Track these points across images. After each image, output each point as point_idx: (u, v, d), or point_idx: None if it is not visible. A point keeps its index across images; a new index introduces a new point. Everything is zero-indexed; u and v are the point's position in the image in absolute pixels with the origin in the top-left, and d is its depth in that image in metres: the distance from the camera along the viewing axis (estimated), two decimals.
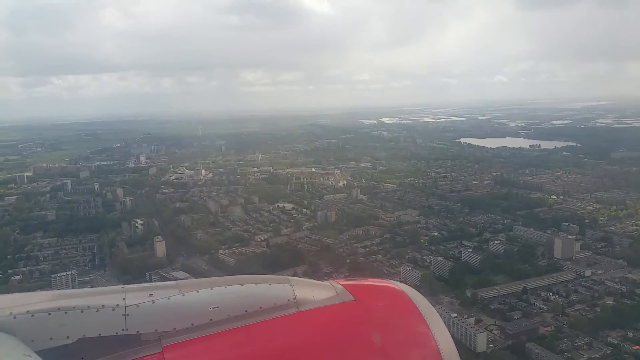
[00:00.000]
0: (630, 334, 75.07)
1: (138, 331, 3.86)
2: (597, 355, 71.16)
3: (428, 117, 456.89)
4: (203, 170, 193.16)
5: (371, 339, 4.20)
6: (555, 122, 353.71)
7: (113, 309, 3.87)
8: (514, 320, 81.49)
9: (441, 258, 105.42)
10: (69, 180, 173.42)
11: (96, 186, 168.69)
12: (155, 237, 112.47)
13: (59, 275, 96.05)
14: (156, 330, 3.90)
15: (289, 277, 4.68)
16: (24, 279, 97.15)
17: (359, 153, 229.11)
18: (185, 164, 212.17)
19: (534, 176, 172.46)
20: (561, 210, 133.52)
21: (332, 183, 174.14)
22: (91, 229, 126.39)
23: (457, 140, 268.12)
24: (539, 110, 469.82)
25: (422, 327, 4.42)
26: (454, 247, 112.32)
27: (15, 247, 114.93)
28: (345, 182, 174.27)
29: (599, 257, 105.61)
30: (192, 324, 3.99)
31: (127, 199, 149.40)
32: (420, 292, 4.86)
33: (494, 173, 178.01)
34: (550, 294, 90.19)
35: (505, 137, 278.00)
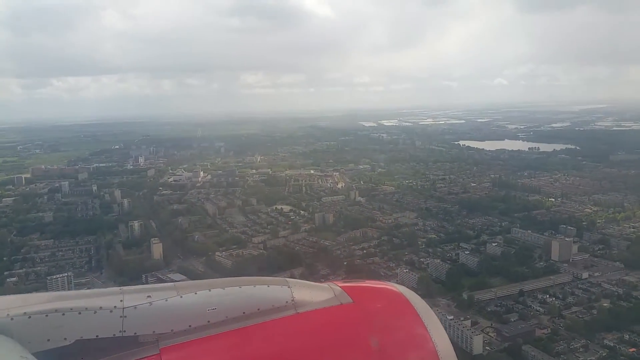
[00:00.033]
0: (627, 336, 75.04)
1: (135, 333, 3.85)
2: (593, 358, 71.08)
3: (427, 120, 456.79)
4: (201, 172, 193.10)
5: (369, 341, 4.19)
6: (554, 125, 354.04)
7: (110, 311, 3.86)
8: (511, 323, 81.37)
9: (438, 260, 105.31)
10: (67, 182, 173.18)
11: (94, 188, 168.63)
12: (152, 239, 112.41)
13: (55, 277, 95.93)
14: (154, 331, 3.90)
15: (287, 279, 4.67)
16: (20, 281, 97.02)
17: (357, 155, 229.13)
18: (184, 166, 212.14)
19: (533, 179, 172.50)
20: (559, 212, 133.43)
21: (330, 185, 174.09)
22: (88, 230, 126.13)
23: (456, 143, 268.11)
24: (539, 113, 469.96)
25: (420, 329, 4.43)
26: (452, 249, 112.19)
27: (12, 249, 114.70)
28: (343, 184, 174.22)
29: (596, 259, 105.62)
30: (190, 326, 3.99)
31: (125, 201, 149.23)
32: (418, 294, 4.88)
33: (492, 175, 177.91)
34: (547, 296, 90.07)
35: (504, 140, 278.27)
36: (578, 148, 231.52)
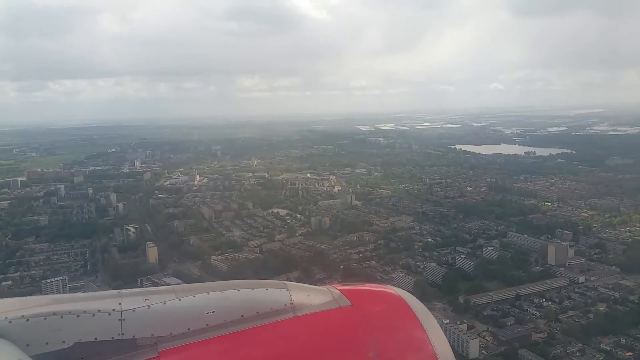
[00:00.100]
0: (623, 341, 75.06)
1: (134, 336, 3.82)
2: None
3: (424, 124, 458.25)
4: (198, 176, 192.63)
5: (368, 344, 4.17)
6: (550, 130, 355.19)
7: (109, 314, 3.83)
8: (507, 327, 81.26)
9: (434, 264, 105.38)
10: (63, 185, 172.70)
11: (90, 191, 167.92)
12: (148, 243, 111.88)
13: (49, 280, 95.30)
14: (152, 335, 3.87)
15: (285, 282, 4.65)
16: (15, 285, 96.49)
17: (354, 159, 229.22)
18: (180, 169, 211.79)
19: (529, 183, 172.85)
20: (555, 216, 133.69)
21: (327, 189, 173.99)
22: (84, 234, 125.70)
23: (453, 147, 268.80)
24: (535, 118, 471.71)
25: (419, 332, 4.40)
26: (448, 253, 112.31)
27: (7, 253, 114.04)
28: (340, 188, 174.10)
29: (592, 263, 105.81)
30: (189, 329, 3.95)
31: (121, 204, 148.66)
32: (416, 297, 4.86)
33: (488, 180, 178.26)
34: (544, 300, 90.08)
35: (500, 144, 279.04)
36: (574, 152, 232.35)
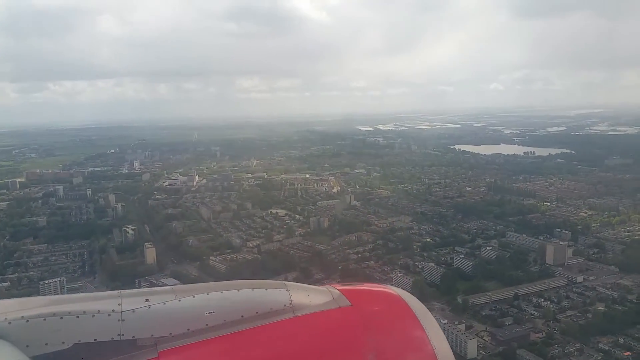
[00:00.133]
0: (621, 340, 75.01)
1: (134, 336, 3.82)
2: None
3: (424, 124, 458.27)
4: (197, 176, 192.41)
5: (368, 344, 4.17)
6: (549, 130, 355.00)
7: (109, 314, 3.84)
8: (505, 327, 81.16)
9: (433, 264, 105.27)
10: (62, 186, 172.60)
11: (89, 192, 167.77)
12: (146, 244, 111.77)
13: (47, 282, 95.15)
14: (152, 335, 3.87)
15: (285, 282, 4.65)
16: (12, 286, 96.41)
17: (353, 159, 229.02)
18: (179, 170, 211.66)
19: (528, 183, 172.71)
20: (554, 216, 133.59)
21: (326, 189, 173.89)
22: (82, 235, 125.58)
23: (452, 147, 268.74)
24: (534, 118, 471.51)
25: (419, 332, 4.41)
26: (446, 253, 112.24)
27: (5, 254, 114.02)
28: (339, 189, 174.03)
29: (591, 263, 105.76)
30: (188, 329, 3.96)
31: (119, 205, 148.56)
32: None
33: (487, 180, 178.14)
34: (542, 300, 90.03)
35: (499, 144, 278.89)
36: (573, 152, 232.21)
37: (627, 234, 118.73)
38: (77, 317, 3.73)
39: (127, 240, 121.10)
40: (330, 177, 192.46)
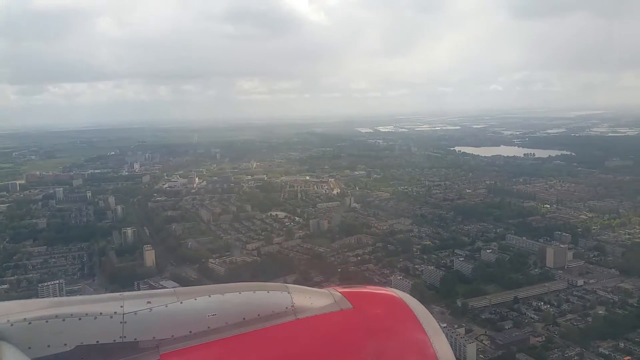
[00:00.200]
0: (622, 344, 74.64)
1: (136, 338, 3.82)
2: None
3: (423, 126, 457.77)
4: (197, 178, 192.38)
5: (369, 346, 4.19)
6: (549, 131, 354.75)
7: (111, 317, 3.84)
8: (505, 330, 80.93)
9: (432, 267, 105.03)
10: (62, 188, 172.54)
11: (89, 194, 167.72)
12: (145, 246, 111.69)
13: (46, 284, 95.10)
14: (154, 337, 3.87)
15: (287, 285, 4.65)
16: (11, 288, 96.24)
17: (353, 161, 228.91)
18: (179, 172, 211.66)
19: (528, 185, 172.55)
20: (554, 219, 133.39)
21: (325, 191, 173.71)
22: (81, 237, 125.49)
23: (452, 149, 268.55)
24: (534, 119, 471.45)
25: (420, 334, 4.43)
26: (446, 256, 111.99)
27: (4, 256, 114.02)
28: (339, 191, 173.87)
29: (591, 266, 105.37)
30: (190, 332, 3.97)
31: (119, 207, 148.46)
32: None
33: (487, 182, 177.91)
34: (542, 303, 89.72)
35: (499, 146, 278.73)
36: (573, 154, 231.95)
37: (628, 236, 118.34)
38: (80, 319, 3.73)
39: (127, 243, 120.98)
40: (330, 179, 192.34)
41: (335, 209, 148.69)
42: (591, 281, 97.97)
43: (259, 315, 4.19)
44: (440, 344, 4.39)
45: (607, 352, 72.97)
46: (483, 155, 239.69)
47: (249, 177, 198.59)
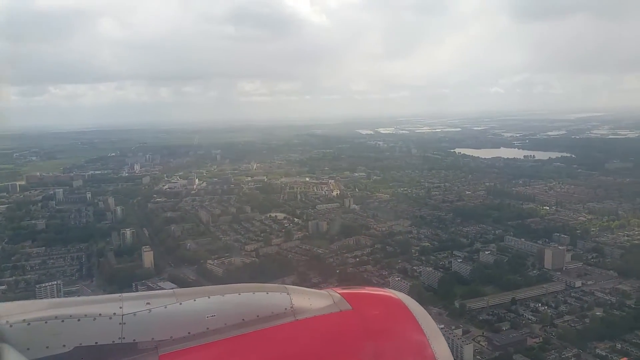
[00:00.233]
0: (619, 346, 74.58)
1: (135, 340, 3.83)
2: None
3: (424, 128, 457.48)
4: (197, 180, 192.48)
5: (368, 348, 4.22)
6: (550, 133, 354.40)
7: (110, 318, 3.85)
8: (502, 332, 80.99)
9: (431, 268, 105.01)
10: (62, 190, 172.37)
11: (88, 195, 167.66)
12: (143, 247, 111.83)
13: (44, 285, 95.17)
14: (153, 338, 3.88)
15: (286, 286, 4.66)
16: (9, 289, 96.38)
17: (353, 163, 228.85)
18: (180, 173, 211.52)
19: (527, 187, 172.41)
20: (553, 220, 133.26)
21: (325, 193, 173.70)
22: (80, 238, 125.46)
23: (452, 151, 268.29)
24: (534, 121, 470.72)
25: (419, 336, 4.46)
26: (445, 257, 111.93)
27: (3, 257, 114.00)
28: (338, 192, 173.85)
29: (589, 267, 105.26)
30: (189, 333, 3.98)
31: (118, 208, 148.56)
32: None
33: (487, 183, 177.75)
34: (540, 304, 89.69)
35: (500, 148, 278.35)
36: (573, 156, 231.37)
37: (627, 238, 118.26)
38: (79, 320, 3.73)
39: (126, 244, 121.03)
40: (330, 181, 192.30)
41: (335, 210, 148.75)
42: (589, 283, 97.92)
43: (258, 316, 4.21)
44: (439, 346, 4.40)
45: (604, 354, 72.91)
46: (483, 157, 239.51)
47: (249, 178, 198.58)
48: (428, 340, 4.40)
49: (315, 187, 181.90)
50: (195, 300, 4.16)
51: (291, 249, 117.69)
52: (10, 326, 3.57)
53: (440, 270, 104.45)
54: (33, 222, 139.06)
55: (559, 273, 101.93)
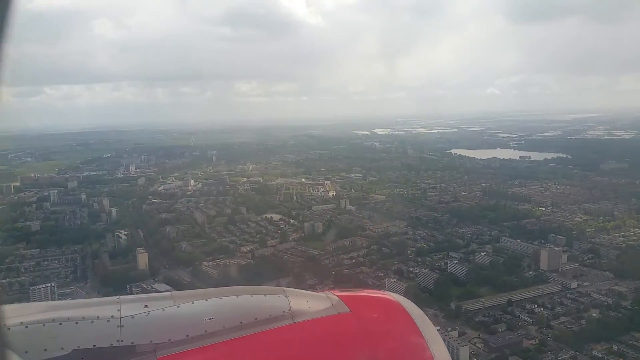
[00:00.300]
0: (615, 347, 74.38)
1: (133, 342, 3.81)
2: None
3: (420, 129, 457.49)
4: (192, 181, 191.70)
5: (366, 350, 4.21)
6: (546, 134, 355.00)
7: (108, 320, 3.84)
8: (498, 333, 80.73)
9: (427, 270, 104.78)
10: (56, 191, 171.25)
11: (83, 197, 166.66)
12: (138, 249, 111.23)
13: (38, 287, 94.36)
14: (151, 341, 3.86)
15: (284, 288, 4.67)
16: (3, 291, 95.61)
17: (350, 164, 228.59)
18: (175, 174, 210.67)
19: (523, 187, 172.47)
20: (549, 221, 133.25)
21: (321, 194, 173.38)
22: (75, 240, 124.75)
23: (448, 151, 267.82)
24: (531, 122, 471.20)
25: (418, 338, 4.44)
26: (440, 258, 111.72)
27: None
28: (334, 193, 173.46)
29: (585, 268, 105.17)
30: (187, 335, 3.96)
31: (113, 210, 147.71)
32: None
33: (483, 184, 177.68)
34: (535, 306, 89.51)
35: (496, 149, 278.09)
36: (569, 157, 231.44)
37: (622, 239, 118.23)
38: (76, 323, 3.72)
39: (120, 245, 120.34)
40: (326, 182, 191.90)
41: (331, 211, 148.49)
42: (585, 284, 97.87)
43: (256, 319, 4.18)
44: (438, 348, 4.38)
45: (600, 355, 72.78)
46: (479, 157, 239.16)
47: (245, 179, 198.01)
48: (427, 343, 4.37)
49: (311, 188, 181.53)
50: (193, 303, 4.15)
51: (287, 251, 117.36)
52: (8, 329, 3.52)
53: (436, 271, 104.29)
54: (27, 223, 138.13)
55: (555, 274, 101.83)
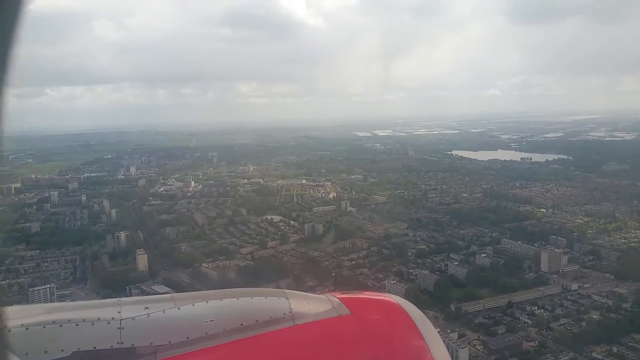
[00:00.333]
0: (615, 349, 74.16)
1: (133, 344, 3.80)
2: None
3: (421, 130, 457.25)
4: (192, 182, 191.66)
5: (367, 353, 4.20)
6: (547, 135, 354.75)
7: (108, 322, 3.83)
8: (498, 335, 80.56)
9: (427, 271, 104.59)
10: (57, 192, 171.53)
11: (83, 198, 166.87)
12: (137, 250, 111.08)
13: (37, 288, 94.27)
14: (151, 343, 3.84)
15: (285, 290, 4.65)
16: (2, 293, 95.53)
17: (350, 165, 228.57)
18: (175, 176, 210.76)
19: (524, 189, 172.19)
20: (549, 223, 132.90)
21: (321, 195, 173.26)
22: (75, 241, 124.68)
23: (449, 153, 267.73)
24: (532, 124, 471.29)
25: (418, 340, 4.42)
26: (441, 260, 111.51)
27: None
28: (335, 194, 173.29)
29: (586, 270, 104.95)
30: (188, 338, 3.94)
31: (114, 211, 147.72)
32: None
33: (484, 186, 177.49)
34: (536, 308, 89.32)
35: (497, 150, 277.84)
36: (570, 158, 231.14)
37: (623, 241, 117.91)
38: (77, 325, 3.70)
39: (120, 247, 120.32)
40: (326, 183, 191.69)
41: (331, 212, 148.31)
42: (586, 285, 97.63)
43: (256, 321, 4.15)
44: (439, 351, 4.34)
45: (600, 357, 72.70)
46: (480, 159, 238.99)
47: (245, 180, 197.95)
48: (427, 345, 4.33)
49: (311, 190, 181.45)
50: (193, 304, 4.13)
51: (287, 252, 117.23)
52: (9, 331, 3.47)
53: (437, 273, 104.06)
54: (27, 224, 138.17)
55: (556, 276, 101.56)
